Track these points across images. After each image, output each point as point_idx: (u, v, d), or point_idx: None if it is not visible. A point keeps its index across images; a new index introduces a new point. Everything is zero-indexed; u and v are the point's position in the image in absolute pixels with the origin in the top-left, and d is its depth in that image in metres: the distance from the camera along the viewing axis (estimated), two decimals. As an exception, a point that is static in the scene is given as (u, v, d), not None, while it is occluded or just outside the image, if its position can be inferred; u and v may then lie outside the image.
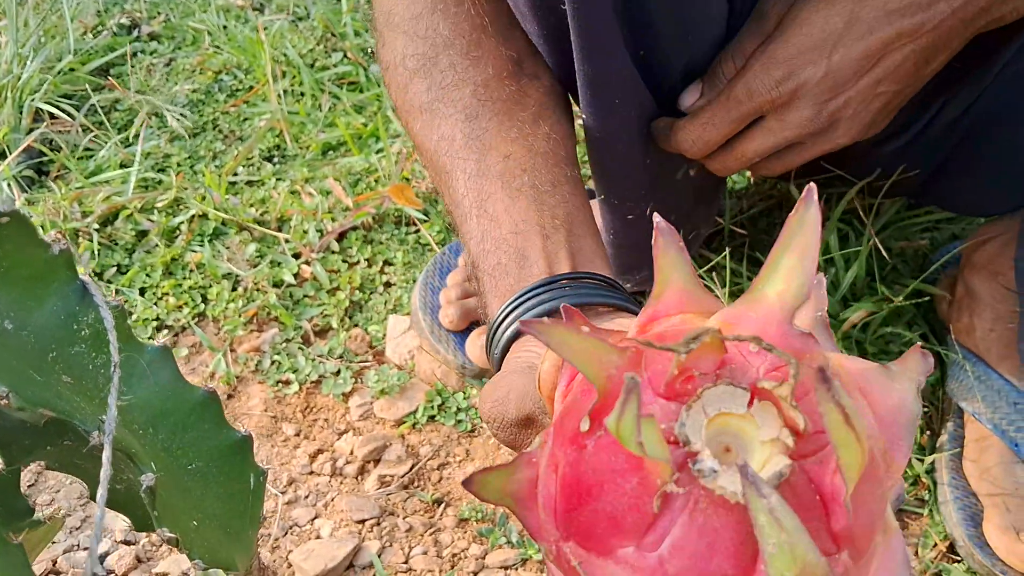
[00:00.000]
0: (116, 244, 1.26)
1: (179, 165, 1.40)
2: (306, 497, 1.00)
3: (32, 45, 1.58)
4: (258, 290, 1.19)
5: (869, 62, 0.67)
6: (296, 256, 1.23)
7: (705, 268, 1.07)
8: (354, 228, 1.26)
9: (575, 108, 0.76)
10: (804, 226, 0.32)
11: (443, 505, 0.99)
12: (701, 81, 0.74)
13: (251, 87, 1.57)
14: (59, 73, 1.57)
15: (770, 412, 0.28)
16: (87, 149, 1.45)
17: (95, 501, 0.41)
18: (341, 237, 1.25)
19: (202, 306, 1.18)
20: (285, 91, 1.52)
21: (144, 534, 0.95)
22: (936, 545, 0.92)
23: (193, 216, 1.28)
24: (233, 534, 0.53)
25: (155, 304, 1.18)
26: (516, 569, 0.92)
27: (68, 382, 0.45)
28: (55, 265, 0.44)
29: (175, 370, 0.49)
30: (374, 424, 1.07)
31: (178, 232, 1.28)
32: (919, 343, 0.32)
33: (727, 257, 1.03)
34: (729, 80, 0.71)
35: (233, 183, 1.36)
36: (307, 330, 1.15)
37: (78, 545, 0.94)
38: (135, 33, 1.76)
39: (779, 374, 0.29)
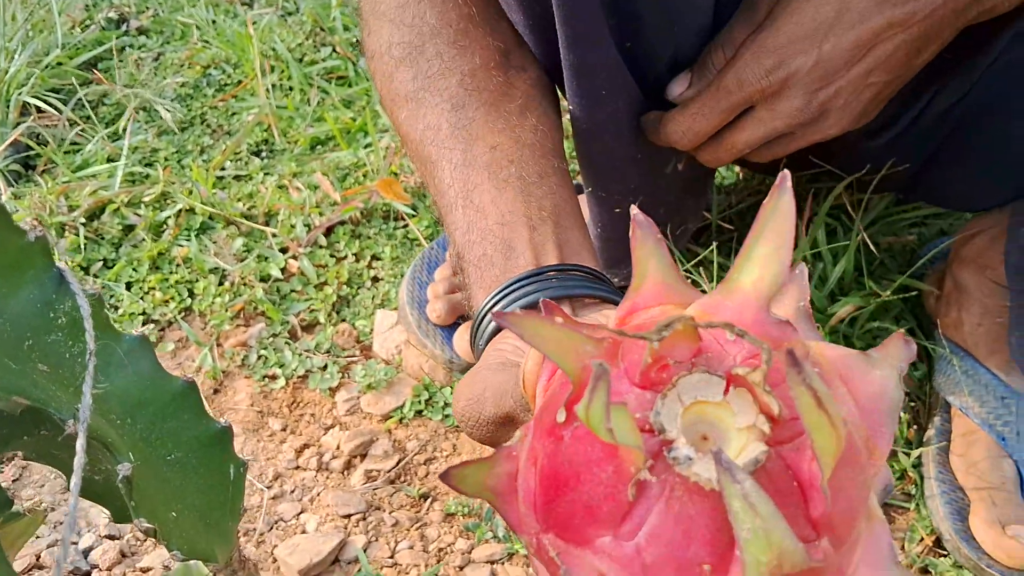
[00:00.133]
0: (102, 238, 1.25)
1: (166, 160, 1.40)
2: (292, 492, 0.99)
3: (20, 39, 1.58)
4: (245, 285, 1.19)
5: (860, 51, 0.66)
6: (283, 251, 1.23)
7: (693, 263, 1.07)
8: (342, 223, 1.26)
9: (563, 102, 0.76)
10: (778, 213, 0.31)
11: (429, 500, 0.99)
12: (690, 71, 0.74)
13: (239, 82, 1.56)
14: (46, 67, 1.56)
15: (746, 399, 0.28)
16: (74, 143, 1.44)
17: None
18: (329, 232, 1.25)
19: (189, 301, 1.18)
20: (273, 86, 1.52)
21: (129, 529, 0.95)
22: (923, 539, 0.92)
23: (180, 210, 1.28)
24: (213, 525, 0.53)
25: (141, 298, 1.17)
26: (502, 564, 0.92)
27: (44, 371, 0.44)
28: (31, 252, 0.44)
29: (153, 359, 0.49)
30: (361, 419, 1.06)
31: (165, 226, 1.27)
32: (901, 330, 0.31)
33: (714, 252, 1.03)
34: (719, 70, 0.71)
35: (221, 178, 1.36)
36: (294, 325, 1.15)
37: (63, 539, 0.93)
38: (123, 27, 1.75)
39: (755, 361, 0.29)
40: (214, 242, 1.24)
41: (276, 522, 0.96)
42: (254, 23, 1.60)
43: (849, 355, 0.31)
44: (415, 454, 1.02)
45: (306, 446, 1.04)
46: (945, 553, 0.91)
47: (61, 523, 0.96)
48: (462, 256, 0.63)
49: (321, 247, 1.23)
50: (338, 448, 1.03)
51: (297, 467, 1.02)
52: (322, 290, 1.18)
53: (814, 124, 0.71)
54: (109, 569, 0.91)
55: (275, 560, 0.92)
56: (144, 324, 1.15)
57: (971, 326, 0.97)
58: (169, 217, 1.27)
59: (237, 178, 1.36)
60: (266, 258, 1.22)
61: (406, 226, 1.25)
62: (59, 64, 1.59)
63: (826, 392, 0.25)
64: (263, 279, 1.19)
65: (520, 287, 0.57)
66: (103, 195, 1.29)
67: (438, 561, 0.92)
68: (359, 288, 1.19)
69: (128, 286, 1.19)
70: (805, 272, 0.33)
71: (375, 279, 1.21)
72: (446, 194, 0.65)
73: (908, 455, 0.96)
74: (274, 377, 1.10)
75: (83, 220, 1.27)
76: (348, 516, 0.96)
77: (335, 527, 0.95)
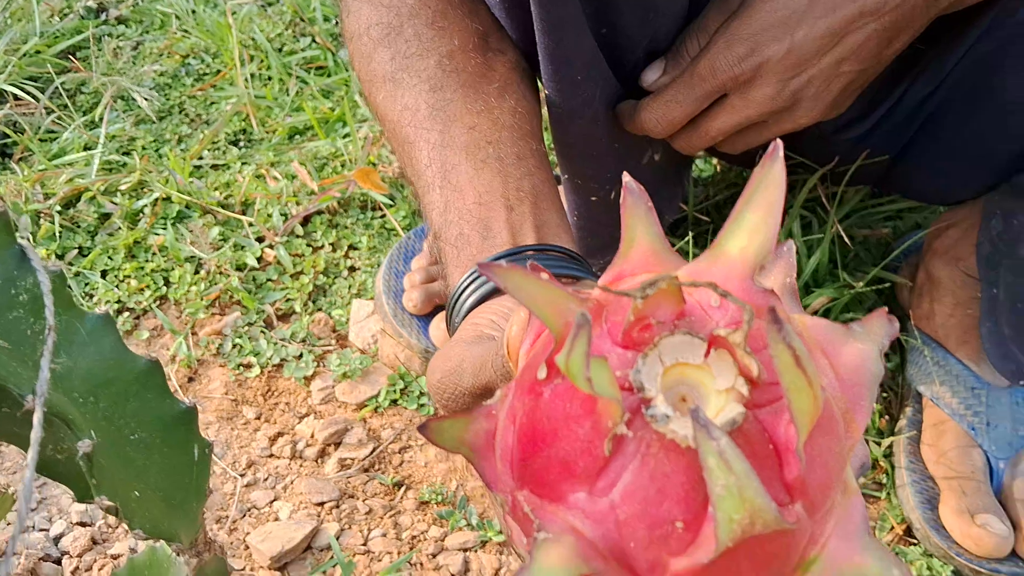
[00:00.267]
0: (78, 226, 1.25)
1: (144, 148, 1.39)
2: (265, 480, 0.99)
3: (-4, 26, 1.57)
4: (221, 273, 1.18)
5: (832, 40, 0.67)
6: (260, 240, 1.22)
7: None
8: (319, 212, 1.25)
9: (541, 90, 0.76)
10: (768, 182, 0.31)
11: (403, 488, 0.99)
12: (664, 59, 0.74)
13: (218, 71, 1.56)
14: (24, 56, 1.55)
15: (726, 361, 0.28)
16: (51, 131, 1.43)
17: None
18: (306, 221, 1.25)
19: (164, 289, 1.17)
20: (252, 75, 1.51)
21: (100, 516, 0.94)
22: (893, 528, 0.92)
23: (157, 199, 1.27)
24: (177, 506, 0.53)
25: (116, 287, 1.17)
26: (475, 551, 0.92)
27: (5, 347, 0.44)
28: (-8, 228, 0.44)
29: (117, 338, 0.49)
30: (335, 408, 1.06)
31: (141, 215, 1.26)
32: (884, 308, 0.31)
33: (691, 243, 1.03)
34: (693, 58, 0.71)
35: (198, 167, 1.35)
36: (270, 314, 1.14)
37: (33, 526, 0.93)
38: (102, 16, 1.74)
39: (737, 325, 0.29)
40: (190, 231, 1.24)
41: (249, 509, 0.96)
42: (234, 13, 1.60)
43: (831, 327, 0.31)
44: (390, 443, 1.02)
45: (280, 434, 1.03)
46: (915, 541, 0.92)
47: (33, 510, 0.95)
48: (439, 236, 0.63)
49: (298, 236, 1.23)
50: (312, 437, 1.03)
51: (271, 455, 1.01)
52: (298, 279, 1.18)
53: (786, 113, 0.72)
54: (80, 556, 0.90)
55: (247, 547, 0.92)
56: (119, 312, 1.15)
57: (943, 317, 0.98)
58: (145, 206, 1.27)
59: (215, 167, 1.35)
60: (242, 247, 1.21)
61: (383, 216, 1.25)
62: (37, 52, 1.58)
63: (805, 352, 0.25)
64: (239, 268, 1.19)
65: None
66: (79, 183, 1.29)
67: (411, 548, 0.92)
68: (335, 278, 1.19)
69: (103, 274, 1.19)
70: (793, 248, 0.33)
71: (352, 269, 1.20)
72: (423, 175, 0.65)
73: (879, 444, 0.97)
74: (249, 366, 1.09)
75: (59, 208, 1.26)
76: (321, 504, 0.96)
77: (308, 515, 0.95)
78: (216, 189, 1.30)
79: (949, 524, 0.89)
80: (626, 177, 0.33)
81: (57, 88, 1.50)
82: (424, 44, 0.68)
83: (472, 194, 0.62)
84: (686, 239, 1.04)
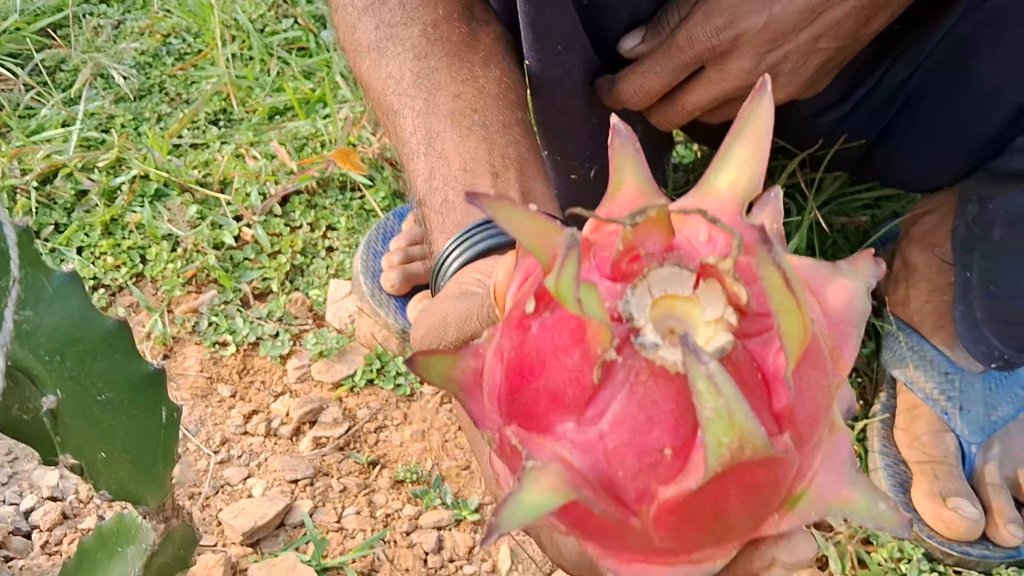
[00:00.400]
0: (55, 203, 1.24)
1: (123, 127, 1.38)
2: (239, 457, 0.99)
3: (-25, 2, 1.55)
4: (198, 251, 1.18)
5: (810, 16, 0.67)
6: (238, 219, 1.22)
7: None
8: (298, 192, 1.25)
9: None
10: (755, 118, 0.31)
11: (378, 467, 0.98)
12: (644, 27, 0.74)
13: (199, 51, 1.55)
14: (4, 32, 1.54)
15: (715, 290, 0.28)
16: (29, 108, 1.42)
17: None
18: (284, 201, 1.24)
19: (140, 266, 1.16)
20: (234, 55, 1.50)
21: (72, 490, 0.94)
22: (865, 512, 0.93)
23: (135, 177, 1.26)
24: (144, 469, 0.52)
25: (92, 263, 1.16)
26: (449, 530, 0.92)
27: (-31, 302, 0.44)
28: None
29: (84, 297, 0.48)
30: (311, 387, 1.06)
31: (119, 192, 1.25)
32: (870, 249, 0.31)
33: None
34: (672, 29, 0.71)
35: (177, 145, 1.34)
36: (246, 292, 1.14)
37: (3, 500, 0.92)
38: (83, -5, 1.73)
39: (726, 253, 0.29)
40: (168, 209, 1.23)
41: (222, 486, 0.96)
42: (216, -7, 1.58)
43: (818, 265, 0.31)
44: (365, 422, 1.02)
45: (255, 412, 1.03)
46: (887, 525, 0.92)
47: (3, 484, 0.94)
48: (423, 203, 0.62)
49: (276, 216, 1.22)
50: (287, 415, 1.02)
51: (245, 433, 1.01)
52: (275, 259, 1.17)
53: None
54: (50, 530, 0.90)
55: (219, 524, 0.92)
56: (95, 289, 1.14)
57: (918, 303, 0.98)
58: (123, 183, 1.26)
59: (194, 146, 1.35)
60: (220, 225, 1.21)
61: (362, 197, 1.25)
62: (17, 29, 1.57)
63: (795, 274, 0.25)
64: (216, 246, 1.18)
65: (483, 230, 0.56)
66: (57, 159, 1.28)
67: (385, 526, 0.92)
68: (313, 258, 1.19)
69: (79, 251, 1.18)
70: (780, 194, 0.33)
71: (330, 249, 1.20)
72: (408, 143, 0.65)
73: (853, 428, 0.97)
74: (224, 344, 1.09)
75: (35, 184, 1.25)
76: (295, 481, 0.96)
77: (282, 492, 0.95)
78: (195, 168, 1.29)
79: (921, 507, 0.89)
80: (614, 118, 0.32)
81: (37, 65, 1.49)
82: (408, 13, 0.68)
83: (457, 161, 0.62)
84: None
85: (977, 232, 0.85)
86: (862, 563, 0.89)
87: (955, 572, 0.89)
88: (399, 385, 1.05)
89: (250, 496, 0.94)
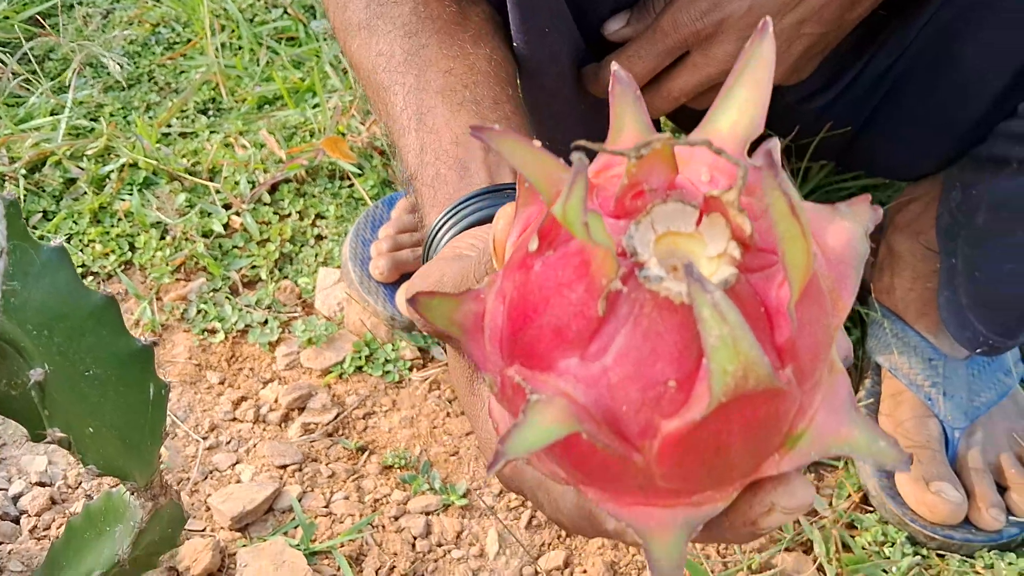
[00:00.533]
0: (43, 191, 1.24)
1: (112, 115, 1.38)
2: (227, 443, 0.99)
3: (-37, -9, 1.55)
4: (187, 239, 1.18)
5: (794, 0, 0.67)
6: (227, 207, 1.22)
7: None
8: (287, 181, 1.25)
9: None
10: (758, 58, 0.31)
11: (367, 453, 0.99)
12: (629, 11, 0.74)
13: (189, 40, 1.55)
14: (-9, 21, 1.54)
15: (718, 225, 0.28)
16: (17, 96, 1.42)
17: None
18: (273, 189, 1.24)
19: (129, 254, 1.16)
20: (223, 45, 1.50)
21: (60, 475, 0.94)
22: (850, 496, 0.94)
23: (123, 165, 1.26)
24: (132, 446, 0.53)
25: (81, 251, 1.16)
26: (437, 515, 0.93)
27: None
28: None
29: (72, 272, 0.49)
30: (300, 373, 1.06)
31: (107, 180, 1.25)
32: (868, 195, 0.31)
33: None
34: (657, 13, 0.72)
35: (166, 134, 1.34)
36: (235, 280, 1.14)
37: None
38: (72, -16, 1.72)
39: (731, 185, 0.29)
40: (157, 197, 1.23)
41: (211, 472, 0.96)
42: (205, -18, 1.58)
43: (816, 207, 0.31)
44: (354, 408, 1.02)
45: (243, 399, 1.03)
46: (871, 509, 0.93)
47: (-9, 470, 0.94)
48: (415, 177, 0.62)
49: (265, 204, 1.22)
50: (276, 401, 1.02)
51: (234, 419, 1.01)
52: (264, 247, 1.17)
53: None
54: (38, 515, 0.90)
55: (208, 509, 0.92)
56: (83, 277, 1.14)
57: (903, 291, 0.99)
58: (112, 171, 1.26)
59: (183, 135, 1.35)
60: (209, 214, 1.21)
61: (351, 185, 1.25)
62: (6, 18, 1.56)
63: (800, 200, 0.25)
64: (205, 235, 1.19)
65: (476, 202, 0.56)
66: (45, 147, 1.28)
67: (373, 511, 0.93)
68: (302, 246, 1.19)
69: (68, 238, 1.18)
70: (778, 145, 0.33)
71: (319, 237, 1.20)
72: (399, 119, 0.65)
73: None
74: (213, 331, 1.09)
75: (24, 172, 1.25)
76: (284, 467, 0.96)
77: (270, 477, 0.95)
78: (184, 156, 1.29)
79: (904, 491, 0.90)
80: (614, 65, 0.32)
81: (26, 53, 1.49)
82: None
83: (449, 135, 0.61)
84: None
85: (961, 219, 0.86)
86: (846, 547, 0.90)
87: (938, 555, 0.90)
88: (388, 372, 1.05)
89: (239, 481, 0.95)
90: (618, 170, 0.32)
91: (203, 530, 0.91)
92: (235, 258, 1.16)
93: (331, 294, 1.12)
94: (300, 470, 0.96)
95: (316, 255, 1.17)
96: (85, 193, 1.23)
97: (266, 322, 1.10)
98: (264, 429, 1.00)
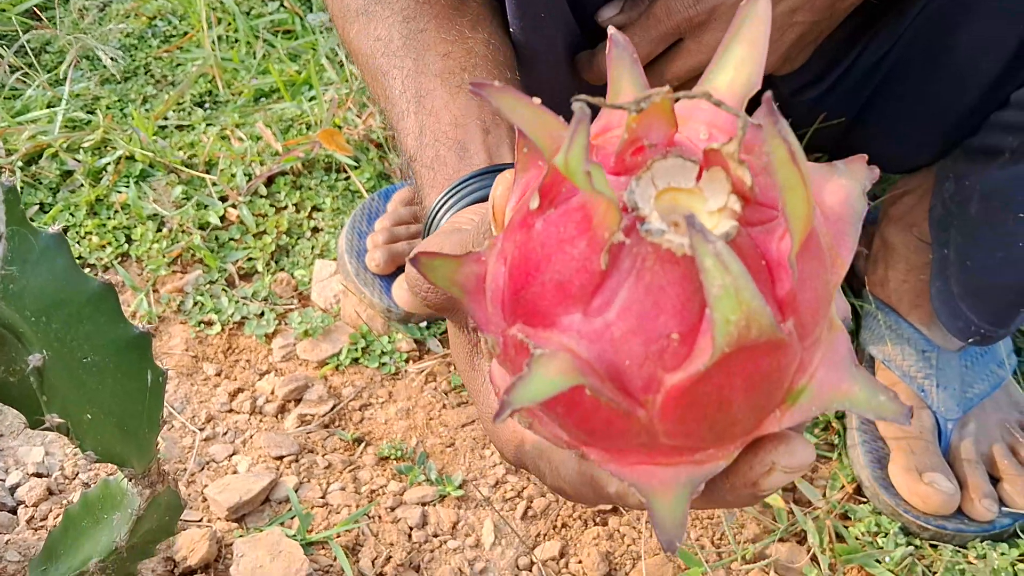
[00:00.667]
0: (40, 183, 1.24)
1: (108, 108, 1.38)
2: (224, 434, 0.99)
3: (-41, -16, 1.55)
4: (183, 231, 1.18)
5: None
6: (223, 199, 1.22)
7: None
8: (283, 173, 1.25)
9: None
10: (753, 17, 0.31)
11: (363, 444, 0.99)
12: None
13: (185, 33, 1.55)
14: (-13, 14, 1.54)
15: (718, 179, 0.28)
16: (14, 88, 1.42)
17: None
18: (270, 182, 1.24)
19: (126, 246, 1.17)
20: (220, 38, 1.51)
21: (57, 466, 0.94)
22: (844, 487, 0.94)
23: (120, 157, 1.26)
24: (130, 433, 0.53)
25: (78, 243, 1.16)
26: (434, 505, 0.93)
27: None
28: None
29: (70, 259, 0.49)
30: (296, 365, 1.06)
31: (104, 173, 1.26)
32: (864, 155, 0.32)
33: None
34: (651, 1, 0.72)
35: (163, 127, 1.34)
36: (232, 272, 1.14)
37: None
38: (68, -22, 1.72)
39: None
40: (153, 189, 1.23)
41: (207, 463, 0.96)
42: (201, -25, 1.58)
43: (816, 166, 0.31)
44: (350, 400, 1.03)
45: (240, 390, 1.04)
46: (865, 500, 0.94)
47: (-12, 460, 0.95)
48: (414, 159, 0.62)
49: (261, 196, 1.23)
50: (272, 393, 1.03)
51: (230, 410, 1.02)
52: (261, 239, 1.18)
53: None
54: (35, 505, 0.90)
55: (205, 499, 0.92)
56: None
57: (896, 283, 0.99)
58: (109, 163, 1.26)
59: (179, 128, 1.35)
60: (205, 206, 1.21)
61: (348, 178, 1.25)
62: (2, 11, 1.56)
63: (800, 148, 0.25)
64: (201, 227, 1.19)
65: (475, 182, 0.56)
66: (42, 140, 1.28)
67: (369, 502, 0.93)
68: (298, 238, 1.19)
69: (65, 231, 1.17)
70: (770, 95, 0.34)
71: (315, 230, 1.20)
72: (397, 103, 0.65)
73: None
74: (210, 323, 1.09)
75: (21, 164, 1.25)
76: (280, 458, 0.97)
77: (267, 468, 0.95)
78: (180, 149, 1.29)
79: (897, 482, 0.91)
80: (611, 29, 0.33)
81: (23, 46, 1.49)
82: None
83: (448, 117, 0.62)
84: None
85: (954, 209, 0.86)
86: (840, 537, 0.90)
87: (931, 546, 0.90)
88: (384, 364, 1.06)
89: (235, 472, 0.95)
90: (617, 132, 0.32)
91: (200, 520, 0.91)
92: (231, 250, 1.17)
93: (327, 286, 1.12)
94: (296, 461, 0.96)
95: (312, 247, 1.18)
96: (82, 185, 1.23)
97: (262, 314, 1.10)
98: (260, 420, 1.01)
